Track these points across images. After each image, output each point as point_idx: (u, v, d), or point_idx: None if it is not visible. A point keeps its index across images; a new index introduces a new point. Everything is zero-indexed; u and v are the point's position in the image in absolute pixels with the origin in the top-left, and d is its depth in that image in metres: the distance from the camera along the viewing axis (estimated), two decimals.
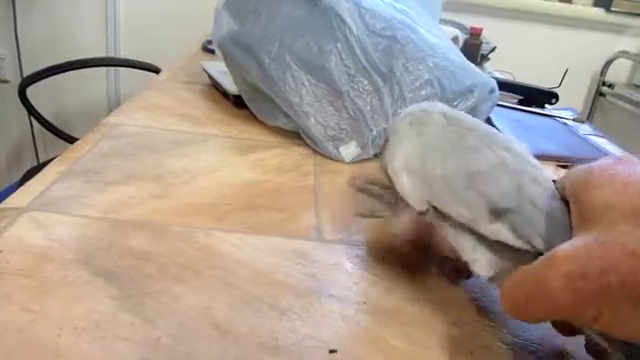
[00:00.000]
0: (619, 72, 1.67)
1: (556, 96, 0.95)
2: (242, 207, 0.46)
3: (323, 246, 0.42)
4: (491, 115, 0.75)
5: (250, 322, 0.32)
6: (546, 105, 0.96)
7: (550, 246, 0.28)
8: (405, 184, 0.36)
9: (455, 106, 0.63)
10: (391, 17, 0.63)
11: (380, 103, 0.60)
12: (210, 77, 0.82)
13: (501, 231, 0.32)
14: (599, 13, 1.64)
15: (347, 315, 0.34)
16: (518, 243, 0.31)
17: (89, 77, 1.61)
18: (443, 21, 1.39)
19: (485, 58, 1.39)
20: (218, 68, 0.79)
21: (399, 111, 0.60)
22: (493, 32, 1.65)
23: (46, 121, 1.51)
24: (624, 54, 1.60)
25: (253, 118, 0.68)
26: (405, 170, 0.37)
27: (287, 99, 0.62)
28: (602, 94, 1.67)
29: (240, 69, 0.67)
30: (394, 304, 0.36)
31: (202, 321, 0.32)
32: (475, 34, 1.28)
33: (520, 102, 0.97)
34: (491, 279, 0.32)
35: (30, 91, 1.47)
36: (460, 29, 1.36)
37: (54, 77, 1.49)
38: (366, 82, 0.61)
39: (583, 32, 1.64)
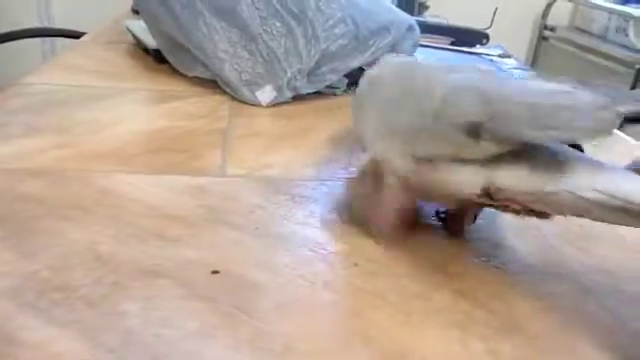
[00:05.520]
0: (561, 15, 1.69)
1: (486, 36, 0.96)
2: (146, 151, 0.46)
3: (223, 181, 0.42)
4: (417, 55, 0.75)
5: (133, 251, 0.32)
6: (478, 45, 0.97)
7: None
8: (383, 150, 0.35)
9: (372, 44, 0.63)
10: None
11: (294, 44, 0.60)
12: (133, 35, 0.80)
13: (489, 147, 0.30)
14: None
15: (236, 239, 0.34)
16: (505, 148, 0.29)
17: (25, 48, 1.56)
18: None
19: (423, 6, 1.39)
20: (140, 25, 0.78)
21: (313, 52, 0.60)
22: None
23: None
24: None
25: (173, 72, 0.67)
26: (378, 137, 0.36)
27: (201, 47, 0.61)
28: (545, 38, 1.69)
29: (156, 21, 0.66)
30: (286, 229, 0.36)
31: (84, 253, 0.32)
32: None
33: (452, 44, 0.98)
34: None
35: None
36: None
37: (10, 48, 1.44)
38: (279, 24, 0.60)
39: None
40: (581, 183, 0.28)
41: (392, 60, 0.43)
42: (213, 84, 0.63)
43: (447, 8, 1.30)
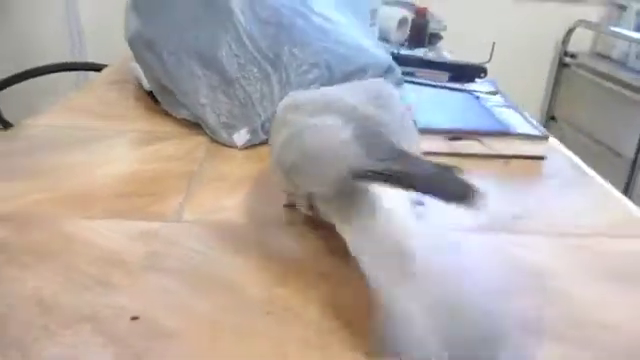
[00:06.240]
0: (582, 41, 1.67)
1: (484, 70, 0.96)
2: (116, 195, 0.50)
3: (176, 226, 0.45)
4: (402, 92, 0.77)
5: (75, 298, 0.35)
6: (476, 79, 0.98)
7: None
8: (278, 179, 0.43)
9: None
10: (279, 5, 0.65)
11: (269, 89, 0.63)
12: (136, 77, 0.85)
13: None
14: None
15: (167, 286, 0.37)
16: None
17: (59, 81, 1.65)
18: (391, 2, 1.40)
19: (436, 37, 1.40)
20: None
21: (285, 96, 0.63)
22: (453, 10, 1.66)
23: (12, 125, 1.55)
24: (583, 23, 1.59)
25: (166, 112, 0.71)
26: (277, 166, 0.42)
27: (185, 92, 0.65)
28: (566, 64, 1.67)
29: (147, 66, 0.70)
30: (216, 275, 0.39)
31: (29, 300, 0.35)
32: (420, 14, 1.29)
33: (451, 78, 0.99)
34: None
35: (3, 99, 1.52)
36: (410, 10, 1.37)
37: (24, 83, 1.53)
38: (255, 70, 0.63)
39: (541, 3, 1.64)
40: None
41: (296, 94, 0.46)
42: (197, 125, 0.66)
43: (457, 41, 1.31)
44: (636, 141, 1.32)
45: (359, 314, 0.35)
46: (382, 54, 0.71)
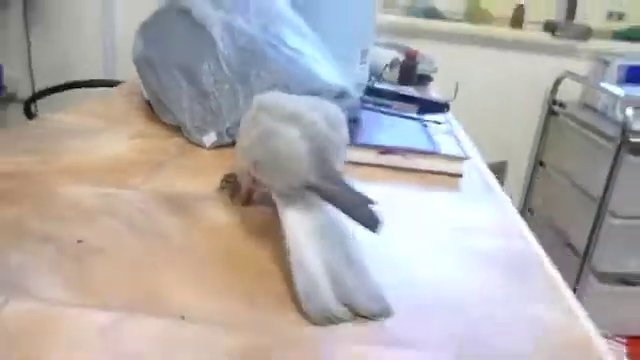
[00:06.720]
0: (571, 91, 1.78)
1: (447, 106, 1.10)
2: (98, 170, 0.65)
3: (134, 192, 0.59)
4: (361, 117, 0.90)
5: (43, 225, 0.49)
6: (440, 113, 1.11)
7: None
8: (239, 160, 0.57)
9: None
10: (254, 35, 0.80)
11: (236, 102, 0.77)
12: (141, 89, 1.01)
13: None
14: (545, 37, 1.77)
15: (110, 224, 0.51)
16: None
17: (93, 95, 1.86)
18: (384, 44, 1.56)
19: (427, 78, 1.53)
20: None
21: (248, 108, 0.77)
22: (449, 56, 1.80)
23: None
24: (570, 74, 1.71)
25: (157, 118, 0.86)
26: (242, 154, 0.56)
27: (171, 100, 0.80)
28: (555, 113, 1.78)
29: (146, 79, 0.86)
30: (150, 228, 0.52)
31: (10, 225, 0.49)
32: (410, 56, 1.44)
33: (419, 110, 1.12)
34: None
35: (43, 108, 1.71)
36: (402, 52, 1.52)
37: (64, 94, 1.73)
38: (227, 86, 0.78)
39: (531, 55, 1.77)
40: None
41: (268, 96, 0.60)
42: (179, 129, 0.81)
43: (451, 84, 1.44)
44: (603, 182, 1.42)
45: (274, 268, 0.48)
46: (336, 82, 0.84)
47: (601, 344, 0.43)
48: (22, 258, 0.44)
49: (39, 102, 1.65)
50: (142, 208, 0.56)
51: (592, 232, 1.42)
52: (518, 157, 1.90)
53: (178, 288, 0.43)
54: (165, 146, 0.76)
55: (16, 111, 2.08)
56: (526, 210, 1.93)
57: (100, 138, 0.77)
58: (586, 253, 1.45)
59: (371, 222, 0.45)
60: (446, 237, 0.58)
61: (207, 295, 0.42)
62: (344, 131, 0.56)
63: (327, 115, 0.55)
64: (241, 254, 0.49)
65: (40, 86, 1.77)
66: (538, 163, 1.83)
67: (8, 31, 1.92)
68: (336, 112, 0.57)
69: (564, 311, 0.47)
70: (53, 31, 1.90)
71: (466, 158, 0.78)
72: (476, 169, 0.81)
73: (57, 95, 1.72)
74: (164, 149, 0.75)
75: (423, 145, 0.81)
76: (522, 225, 0.64)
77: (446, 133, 0.89)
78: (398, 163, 0.77)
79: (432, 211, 0.65)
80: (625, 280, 1.52)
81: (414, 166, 0.77)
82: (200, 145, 0.77)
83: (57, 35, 1.90)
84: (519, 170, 1.91)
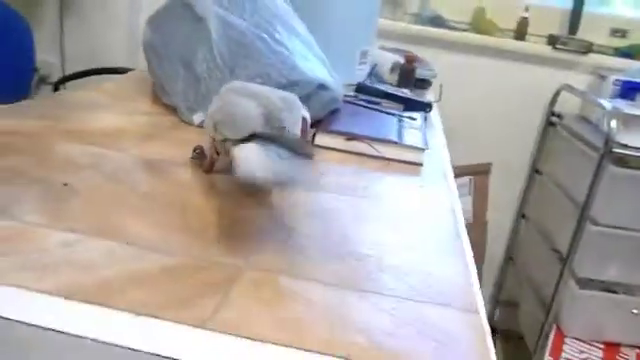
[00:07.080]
0: (571, 103, 1.84)
1: (430, 105, 1.18)
2: (98, 135, 0.75)
3: (122, 154, 0.70)
4: (340, 109, 1.00)
5: (42, 172, 0.60)
6: (422, 112, 1.19)
7: None
8: (208, 128, 0.65)
9: None
10: (245, 29, 0.91)
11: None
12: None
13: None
14: (547, 50, 1.83)
15: (93, 177, 0.62)
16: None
17: (111, 77, 2.00)
18: (386, 49, 1.65)
19: (426, 82, 1.61)
20: None
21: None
22: (453, 63, 1.88)
23: None
24: (569, 88, 1.76)
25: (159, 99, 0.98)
26: (209, 120, 0.65)
27: (170, 84, 0.91)
28: (552, 124, 1.84)
29: (151, 64, 0.97)
30: (130, 180, 0.63)
31: (10, 169, 0.60)
32: (409, 60, 1.52)
33: (405, 108, 1.21)
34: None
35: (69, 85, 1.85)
36: (403, 56, 1.60)
37: (92, 79, 1.86)
38: (218, 73, 0.89)
39: (533, 66, 1.84)
40: None
41: (238, 82, 0.70)
42: (174, 109, 0.92)
43: (452, 91, 1.51)
44: (585, 190, 1.48)
45: (215, 217, 0.58)
46: (314, 76, 0.94)
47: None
48: (12, 190, 0.55)
49: (68, 85, 1.79)
50: (123, 166, 0.66)
51: (573, 238, 1.47)
52: (517, 164, 1.97)
53: (132, 222, 0.53)
54: (160, 122, 0.87)
55: (48, 93, 2.24)
56: (520, 216, 1.99)
57: (105, 112, 0.88)
58: (567, 258, 1.50)
59: (307, 152, 0.56)
60: (393, 211, 0.67)
61: (152, 229, 0.52)
62: (298, 113, 0.66)
63: (285, 98, 0.65)
64: (192, 204, 0.59)
65: (70, 71, 1.92)
66: (534, 171, 1.88)
67: (44, 20, 2.08)
68: (294, 99, 0.67)
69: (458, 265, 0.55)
70: (85, 21, 2.06)
71: (426, 149, 0.87)
72: (439, 160, 0.90)
73: (85, 79, 1.87)
74: (158, 124, 0.86)
75: (390, 136, 0.90)
76: (457, 206, 0.73)
77: (417, 128, 0.98)
78: (364, 150, 0.86)
79: (389, 191, 0.74)
80: (607, 288, 1.57)
81: (378, 154, 0.86)
82: (190, 123, 0.88)
83: (88, 25, 2.05)
84: (517, 177, 1.97)
